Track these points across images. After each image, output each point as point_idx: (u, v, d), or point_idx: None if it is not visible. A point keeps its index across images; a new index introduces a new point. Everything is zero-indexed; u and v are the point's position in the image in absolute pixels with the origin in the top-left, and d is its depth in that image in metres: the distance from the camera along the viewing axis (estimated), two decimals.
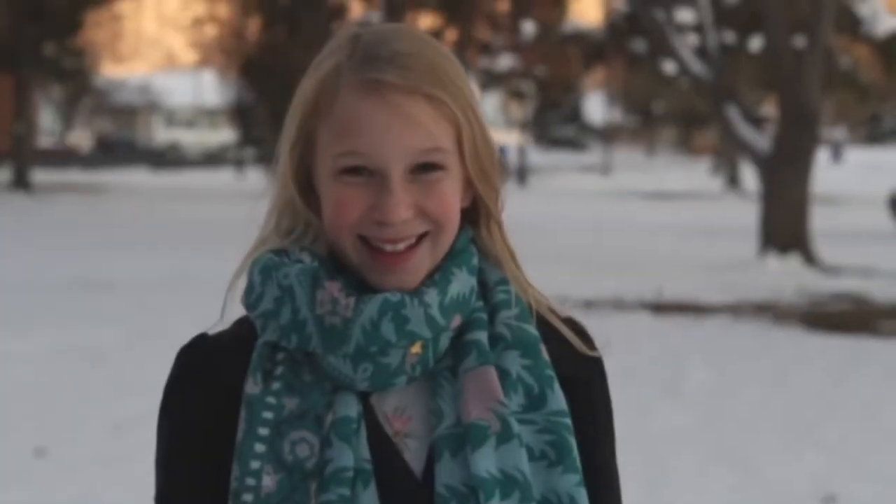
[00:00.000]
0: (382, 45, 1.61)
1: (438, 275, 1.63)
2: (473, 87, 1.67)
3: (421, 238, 1.61)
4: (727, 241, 24.61)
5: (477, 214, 1.69)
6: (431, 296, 1.60)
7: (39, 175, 45.51)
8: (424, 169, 1.60)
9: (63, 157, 61.28)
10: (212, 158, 67.26)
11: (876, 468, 8.10)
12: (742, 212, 32.01)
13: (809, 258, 20.64)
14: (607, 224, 30.19)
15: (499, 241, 1.70)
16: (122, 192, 42.06)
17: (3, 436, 8.54)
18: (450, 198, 1.61)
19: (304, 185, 1.67)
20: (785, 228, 20.87)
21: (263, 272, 1.63)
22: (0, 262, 19.25)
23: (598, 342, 1.75)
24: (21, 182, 42.04)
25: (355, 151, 1.58)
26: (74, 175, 53.03)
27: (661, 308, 15.23)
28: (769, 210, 21.09)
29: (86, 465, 7.79)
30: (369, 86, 1.59)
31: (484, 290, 1.69)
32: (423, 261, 1.61)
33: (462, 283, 1.64)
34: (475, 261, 1.67)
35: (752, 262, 20.64)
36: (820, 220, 23.40)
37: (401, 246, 1.59)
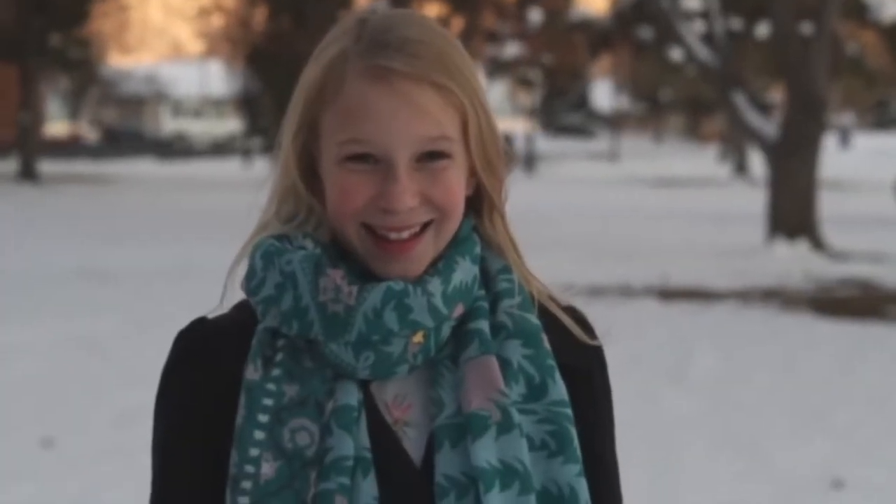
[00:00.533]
0: (390, 32, 1.59)
1: (441, 263, 1.62)
2: (479, 75, 1.66)
3: (425, 226, 1.60)
4: (735, 228, 24.58)
5: (480, 204, 1.68)
6: (434, 285, 1.59)
7: (46, 166, 45.52)
8: (430, 157, 1.59)
9: (70, 147, 61.31)
10: (219, 148, 67.25)
11: (884, 454, 8.09)
12: (750, 198, 31.99)
13: (817, 244, 20.62)
14: (615, 211, 30.16)
15: (501, 231, 1.70)
16: (128, 183, 42.05)
17: (10, 427, 8.55)
18: (455, 186, 1.60)
19: (308, 171, 1.65)
20: (792, 214, 20.85)
21: (265, 257, 1.62)
22: (4, 253, 19.26)
23: (598, 331, 1.74)
24: (28, 173, 42.02)
25: (361, 139, 1.57)
26: (81, 166, 53.04)
27: (668, 294, 15.21)
28: (777, 196, 21.06)
29: (91, 456, 7.79)
30: (376, 72, 1.57)
31: (486, 278, 1.68)
32: (427, 249, 1.61)
33: (465, 271, 1.63)
34: (478, 249, 1.67)
35: (760, 248, 20.62)
36: (828, 206, 23.36)
37: (405, 234, 1.58)
